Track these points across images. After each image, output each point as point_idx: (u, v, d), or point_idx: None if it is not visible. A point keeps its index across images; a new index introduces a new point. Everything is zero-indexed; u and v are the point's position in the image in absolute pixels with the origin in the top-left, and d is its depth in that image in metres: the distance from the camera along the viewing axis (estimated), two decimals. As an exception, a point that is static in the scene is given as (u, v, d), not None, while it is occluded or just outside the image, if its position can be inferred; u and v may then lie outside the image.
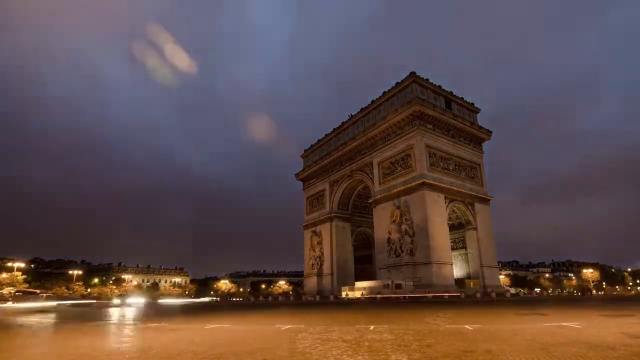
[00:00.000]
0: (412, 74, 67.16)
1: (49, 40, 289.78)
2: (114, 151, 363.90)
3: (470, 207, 66.96)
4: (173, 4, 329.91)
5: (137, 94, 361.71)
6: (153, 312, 34.87)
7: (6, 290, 64.82)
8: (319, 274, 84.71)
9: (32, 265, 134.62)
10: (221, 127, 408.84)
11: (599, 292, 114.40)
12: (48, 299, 67.51)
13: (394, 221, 63.81)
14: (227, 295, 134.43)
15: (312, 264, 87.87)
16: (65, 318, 26.25)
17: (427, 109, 64.56)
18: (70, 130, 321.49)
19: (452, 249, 61.87)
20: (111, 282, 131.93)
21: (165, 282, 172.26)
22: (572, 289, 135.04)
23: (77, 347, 11.18)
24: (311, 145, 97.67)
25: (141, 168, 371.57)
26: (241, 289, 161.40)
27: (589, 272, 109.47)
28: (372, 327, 14.26)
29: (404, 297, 51.87)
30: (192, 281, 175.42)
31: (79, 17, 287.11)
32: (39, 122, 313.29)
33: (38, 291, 73.75)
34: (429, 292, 51.46)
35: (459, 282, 60.92)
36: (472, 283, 62.11)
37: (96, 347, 10.99)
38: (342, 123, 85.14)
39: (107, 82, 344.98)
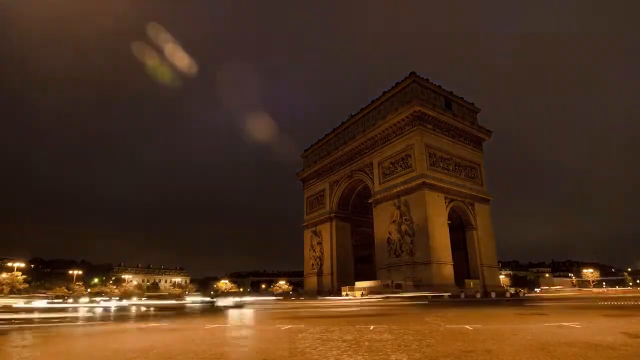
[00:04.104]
0: (412, 74, 67.10)
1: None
2: (117, 152, 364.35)
3: (470, 207, 66.92)
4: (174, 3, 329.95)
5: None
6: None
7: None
8: (319, 274, 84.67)
9: (32, 265, 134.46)
10: (221, 126, 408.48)
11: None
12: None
13: (394, 221, 63.77)
14: (228, 295, 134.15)
15: (312, 264, 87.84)
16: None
17: (427, 109, 64.51)
18: (69, 131, 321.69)
19: (452, 249, 61.80)
20: (111, 282, 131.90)
21: (166, 282, 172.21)
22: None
23: (78, 347, 11.19)
24: (311, 145, 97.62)
25: (142, 169, 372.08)
26: (241, 289, 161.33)
27: (589, 272, 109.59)
28: (372, 327, 14.27)
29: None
30: (192, 281, 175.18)
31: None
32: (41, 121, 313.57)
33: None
34: (429, 292, 51.41)
35: (459, 282, 60.86)
36: (472, 283, 62.05)
37: (98, 347, 10.99)
38: (342, 123, 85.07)
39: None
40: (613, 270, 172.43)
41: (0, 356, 9.90)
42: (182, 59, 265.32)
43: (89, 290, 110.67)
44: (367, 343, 10.22)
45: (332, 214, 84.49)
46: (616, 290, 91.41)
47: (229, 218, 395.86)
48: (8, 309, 38.27)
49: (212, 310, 33.56)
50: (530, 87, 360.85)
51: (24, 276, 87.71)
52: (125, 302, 56.23)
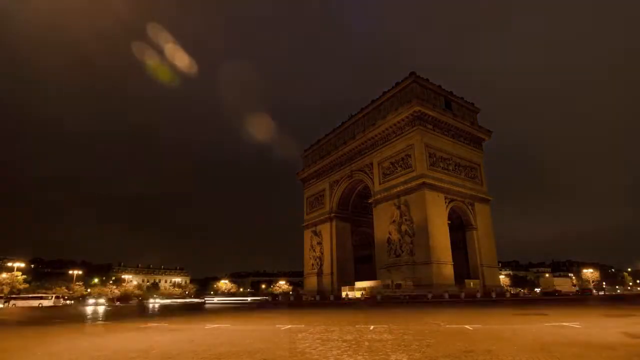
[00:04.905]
0: (412, 74, 67.06)
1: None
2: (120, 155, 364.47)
3: (470, 207, 66.89)
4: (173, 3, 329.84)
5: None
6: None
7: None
8: (319, 274, 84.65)
9: (32, 265, 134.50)
10: (219, 125, 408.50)
11: (600, 292, 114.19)
12: None
13: (394, 221, 63.75)
14: (228, 295, 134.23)
15: (312, 264, 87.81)
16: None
17: (427, 109, 64.48)
18: (69, 132, 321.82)
19: (452, 248, 61.78)
20: (111, 282, 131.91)
21: (166, 282, 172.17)
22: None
23: (78, 347, 11.19)
24: (311, 145, 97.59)
25: (141, 169, 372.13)
26: (241, 289, 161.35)
27: (589, 272, 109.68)
28: (372, 327, 14.27)
29: (404, 297, 51.89)
30: (192, 281, 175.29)
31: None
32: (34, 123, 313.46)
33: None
34: (429, 292, 51.43)
35: (459, 282, 60.88)
36: (472, 283, 62.05)
37: (98, 347, 10.99)
38: (343, 122, 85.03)
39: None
40: (613, 270, 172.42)
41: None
42: (182, 59, 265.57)
43: (89, 290, 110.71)
44: (367, 343, 10.22)
45: (332, 214, 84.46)
46: None
47: (229, 218, 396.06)
48: None
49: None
50: (530, 88, 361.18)
51: (24, 276, 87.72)
52: None
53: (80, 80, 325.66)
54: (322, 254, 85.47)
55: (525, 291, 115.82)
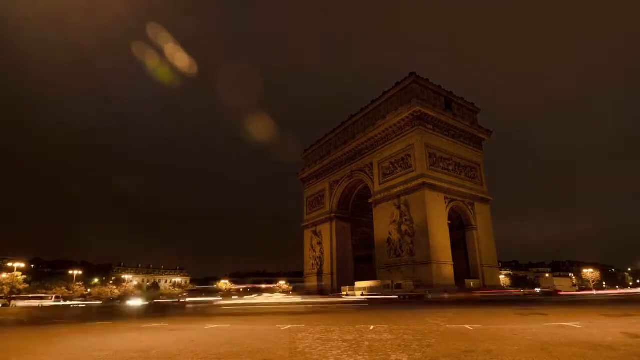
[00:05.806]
0: (412, 74, 67.05)
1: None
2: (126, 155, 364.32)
3: (470, 207, 66.88)
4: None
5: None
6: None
7: None
8: (319, 274, 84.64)
9: (32, 265, 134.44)
10: (219, 124, 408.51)
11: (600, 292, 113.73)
12: None
13: (394, 221, 63.73)
14: (229, 295, 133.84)
15: (312, 264, 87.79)
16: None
17: (427, 109, 64.48)
18: (70, 133, 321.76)
19: (452, 248, 61.77)
20: (111, 282, 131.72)
21: (166, 282, 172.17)
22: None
23: (78, 347, 11.20)
24: (311, 145, 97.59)
25: (142, 168, 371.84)
26: (241, 289, 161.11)
27: (589, 272, 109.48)
28: (372, 327, 14.27)
29: (404, 297, 51.83)
30: (192, 281, 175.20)
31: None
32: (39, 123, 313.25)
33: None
34: (429, 292, 51.38)
35: (459, 282, 60.85)
36: (472, 283, 61.99)
37: (98, 347, 11.00)
38: (342, 123, 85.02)
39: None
40: (613, 270, 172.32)
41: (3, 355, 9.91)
42: (182, 59, 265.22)
43: (88, 290, 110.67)
44: (367, 343, 10.22)
45: (332, 214, 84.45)
46: None
47: (229, 218, 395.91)
48: None
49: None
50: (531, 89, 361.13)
51: (24, 276, 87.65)
52: None
53: (80, 80, 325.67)
54: (322, 254, 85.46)
55: (525, 291, 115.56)
